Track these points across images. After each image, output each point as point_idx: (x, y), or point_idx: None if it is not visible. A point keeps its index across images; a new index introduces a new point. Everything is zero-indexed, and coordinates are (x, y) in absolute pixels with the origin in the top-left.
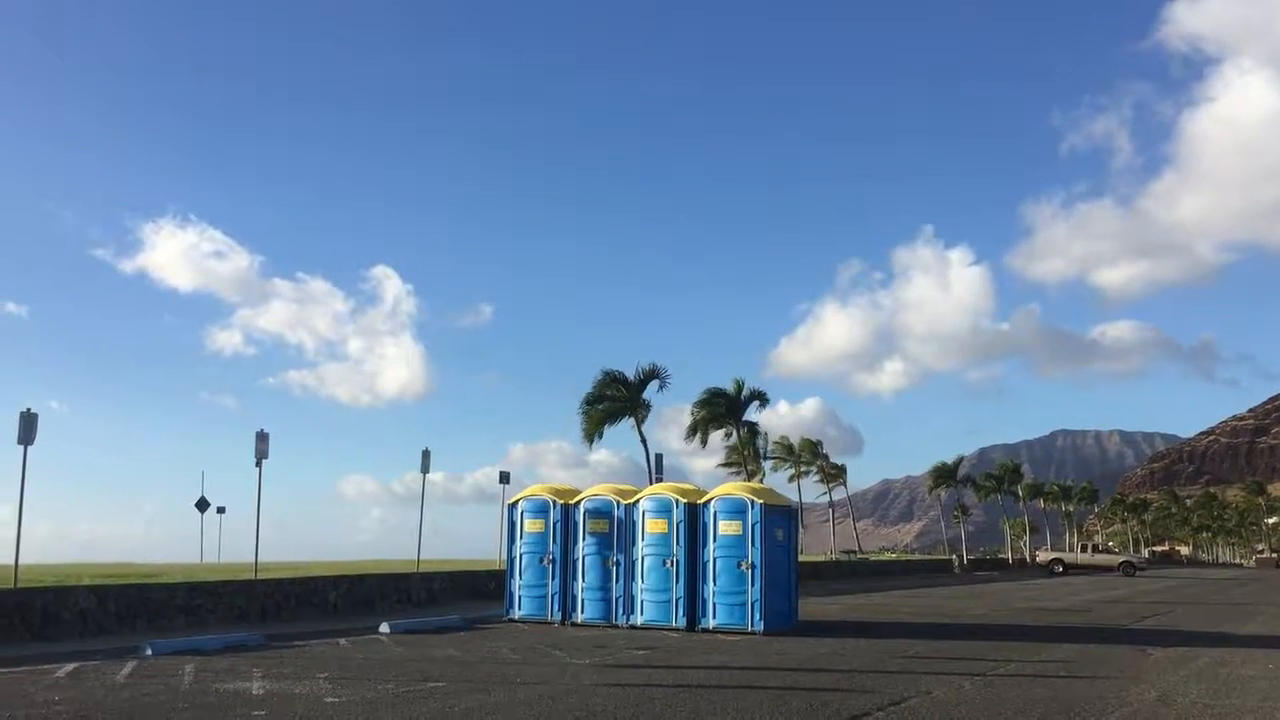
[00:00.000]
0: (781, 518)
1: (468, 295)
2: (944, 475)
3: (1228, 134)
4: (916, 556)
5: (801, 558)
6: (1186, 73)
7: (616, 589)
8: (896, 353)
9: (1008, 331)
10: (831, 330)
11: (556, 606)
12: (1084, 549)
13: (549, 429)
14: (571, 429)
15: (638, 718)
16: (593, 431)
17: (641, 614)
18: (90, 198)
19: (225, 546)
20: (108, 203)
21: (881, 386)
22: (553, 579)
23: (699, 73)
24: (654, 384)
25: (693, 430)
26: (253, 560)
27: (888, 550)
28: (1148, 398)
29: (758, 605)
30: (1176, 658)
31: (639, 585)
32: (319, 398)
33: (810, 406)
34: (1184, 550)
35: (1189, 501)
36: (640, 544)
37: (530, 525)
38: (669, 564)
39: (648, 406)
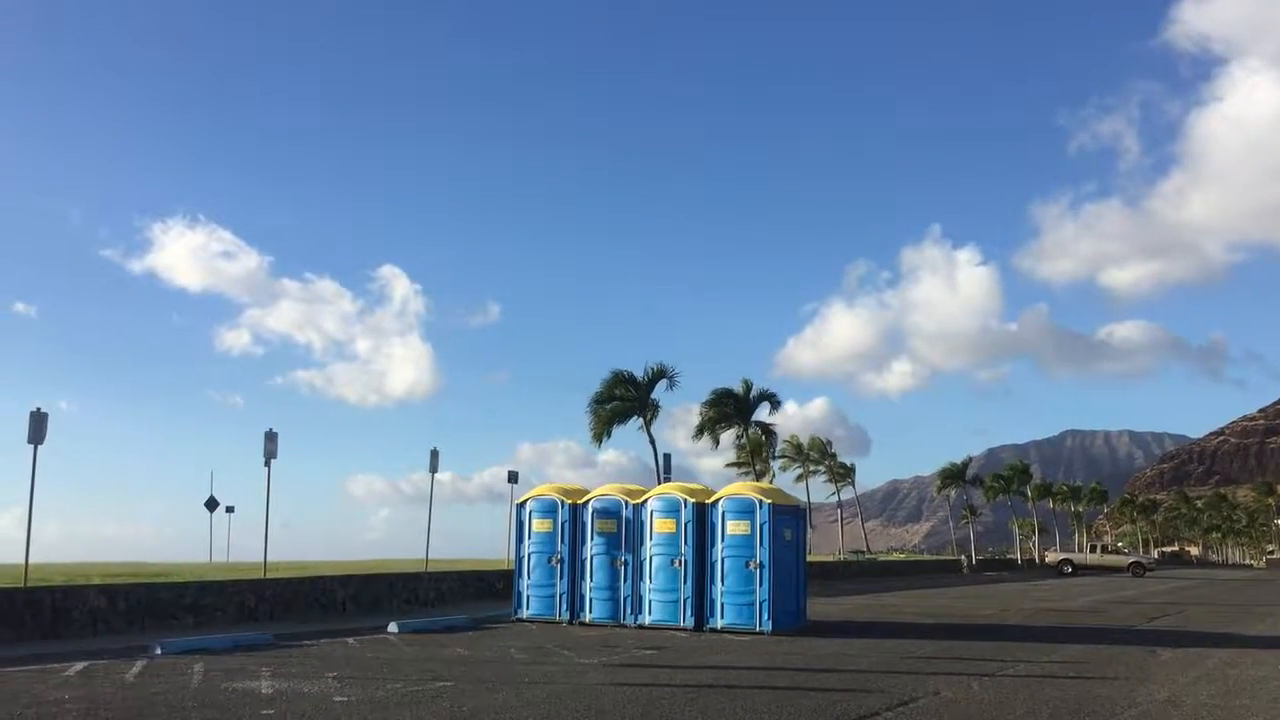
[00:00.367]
0: (790, 518)
1: (476, 295)
2: (952, 476)
3: (1236, 134)
4: (925, 557)
5: (810, 558)
6: (1194, 72)
7: (624, 589)
8: (904, 353)
9: (1016, 332)
10: (839, 330)
11: (564, 606)
12: (1093, 549)
13: (557, 429)
14: (579, 429)
15: (646, 717)
16: (601, 431)
17: (649, 614)
18: (99, 198)
19: (234, 546)
20: (117, 203)
21: (889, 387)
22: (561, 579)
23: (707, 74)
24: (663, 384)
25: (701, 430)
26: (261, 560)
27: (896, 550)
28: (1157, 398)
29: (766, 605)
30: (1186, 659)
31: (647, 585)
32: (327, 397)
33: (818, 407)
34: (1194, 551)
35: (1199, 502)
36: (648, 544)
37: (538, 525)
38: (677, 564)
39: (656, 406)
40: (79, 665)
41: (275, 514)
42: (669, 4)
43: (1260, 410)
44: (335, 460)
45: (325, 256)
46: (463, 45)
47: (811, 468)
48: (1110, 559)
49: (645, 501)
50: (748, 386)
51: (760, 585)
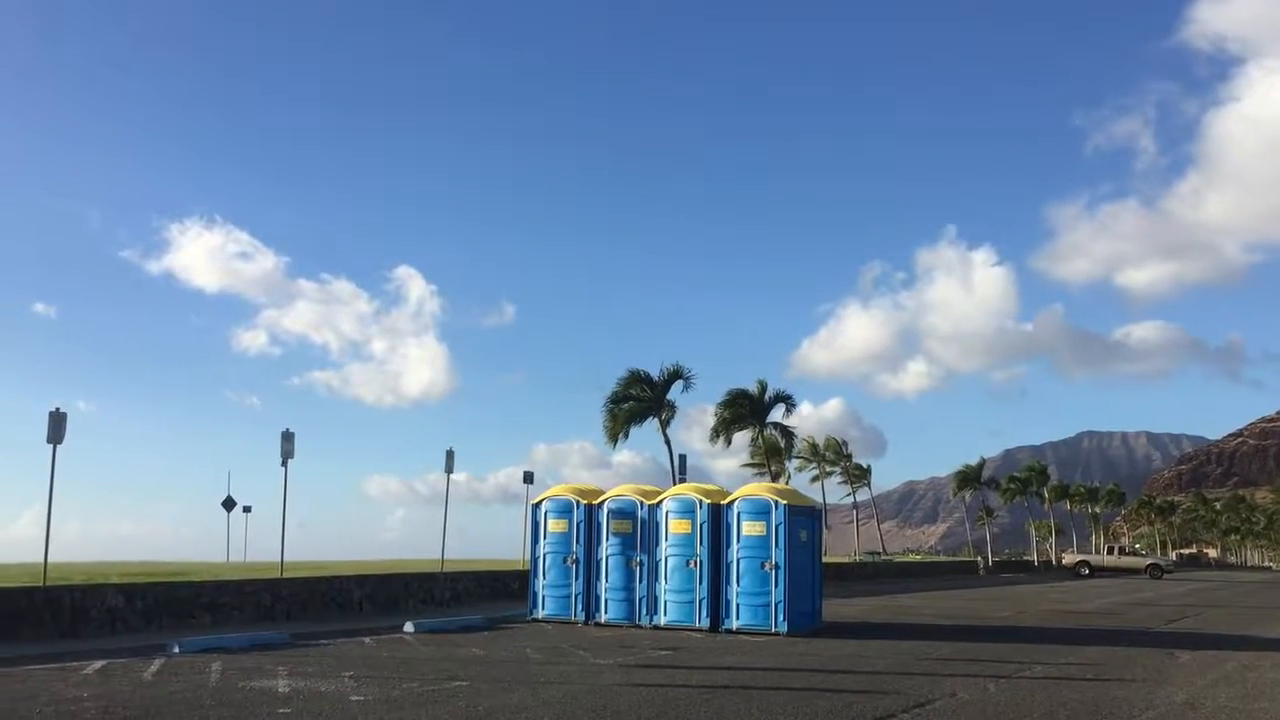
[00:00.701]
0: (805, 518)
1: (491, 295)
2: (968, 477)
3: (1253, 134)
4: (941, 558)
5: (825, 559)
6: (1211, 72)
7: (640, 589)
8: (919, 354)
9: (1031, 332)
10: (854, 331)
11: (580, 606)
12: (1110, 551)
13: (572, 429)
14: (594, 429)
15: (661, 718)
16: (617, 431)
17: (665, 614)
18: (118, 199)
19: (251, 546)
20: (135, 204)
21: (904, 388)
22: (576, 579)
23: (722, 74)
24: (678, 384)
25: (716, 431)
26: (278, 559)
27: (912, 552)
28: (1175, 399)
29: (781, 606)
30: (1205, 661)
31: (662, 586)
32: (343, 398)
33: (833, 407)
34: (1212, 553)
35: (1217, 504)
36: (664, 544)
37: (554, 525)
38: (692, 564)
39: (672, 407)
40: (97, 664)
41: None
42: (688, 4)
43: (1279, 412)
44: (351, 460)
45: (341, 257)
46: (486, 45)
47: (827, 469)
48: (1128, 561)
49: (661, 502)
50: (763, 387)
51: (776, 586)
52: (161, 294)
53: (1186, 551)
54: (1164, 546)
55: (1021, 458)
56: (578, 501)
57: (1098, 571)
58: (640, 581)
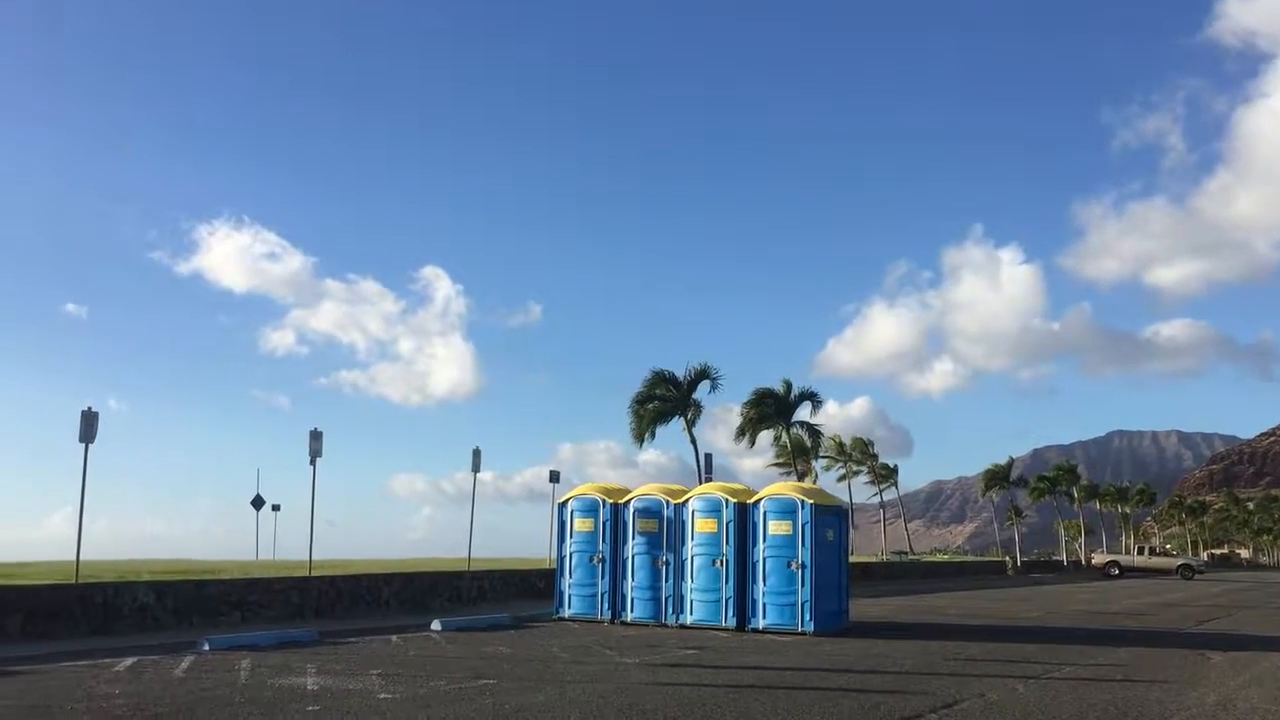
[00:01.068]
0: (832, 518)
1: (517, 295)
2: (997, 476)
3: None
4: (969, 558)
5: (852, 559)
6: (1240, 69)
7: (666, 588)
8: (946, 353)
9: (1059, 331)
10: (879, 330)
11: (606, 605)
12: (1141, 551)
13: (597, 429)
14: (620, 429)
15: (687, 717)
16: (643, 431)
17: (691, 613)
18: (147, 201)
19: (280, 544)
20: (164, 205)
21: (931, 387)
22: (602, 578)
23: (748, 76)
24: (704, 384)
25: (742, 431)
26: (307, 558)
27: (940, 552)
28: (1206, 398)
29: (808, 606)
30: (1237, 662)
31: (688, 585)
32: (370, 397)
33: (859, 406)
34: (1244, 553)
35: (1249, 504)
36: (690, 544)
37: (580, 524)
38: (718, 564)
39: (698, 407)
40: (129, 661)
41: (320, 512)
42: (715, 6)
43: None
44: (378, 460)
45: (368, 257)
46: (511, 45)
47: (854, 468)
48: (1158, 561)
49: (687, 501)
50: (788, 386)
51: (802, 586)
52: (191, 294)
53: (1218, 552)
54: (1195, 547)
55: (1050, 457)
56: (604, 500)
57: (1128, 572)
58: (666, 580)
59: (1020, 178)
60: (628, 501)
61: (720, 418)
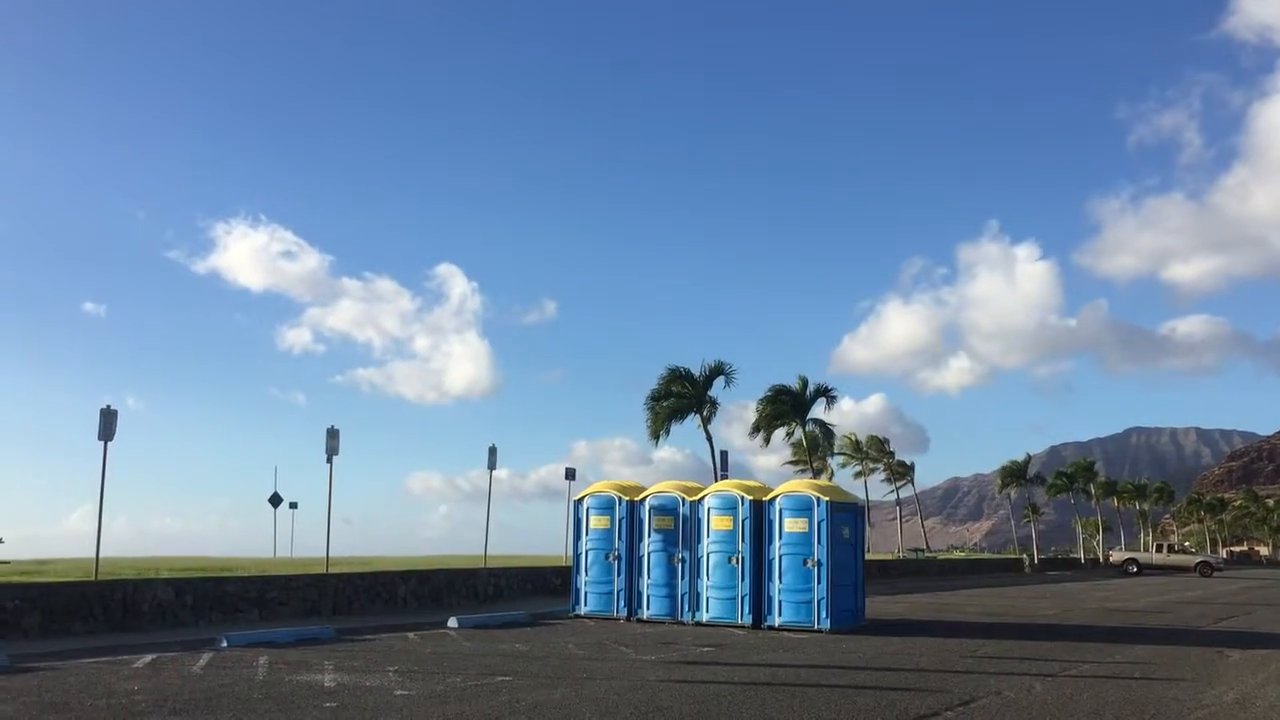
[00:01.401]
0: (848, 515)
1: (532, 292)
2: (1014, 474)
3: None
4: (986, 555)
5: (868, 556)
6: (1256, 64)
7: (682, 585)
8: (962, 349)
9: (1075, 328)
10: (895, 327)
11: (622, 602)
12: (1159, 549)
13: (612, 426)
14: (635, 426)
15: (704, 714)
16: (659, 428)
17: (707, 611)
18: (164, 200)
19: (297, 541)
20: (181, 205)
21: (947, 384)
22: (618, 575)
23: (761, 73)
24: (719, 381)
25: (757, 428)
26: (324, 555)
27: (956, 549)
28: (1225, 394)
29: (824, 603)
30: (1255, 660)
31: (704, 582)
32: (386, 395)
33: (874, 403)
34: (1264, 551)
35: (1269, 501)
36: (705, 541)
37: (596, 522)
38: (734, 561)
39: (714, 403)
40: (148, 657)
41: (337, 510)
42: (724, 3)
43: None
44: (395, 457)
45: (384, 255)
46: (522, 43)
47: (870, 465)
48: (1176, 559)
49: (702, 499)
50: (804, 383)
51: (818, 583)
52: (208, 293)
53: (1237, 549)
54: (1214, 544)
55: (1068, 454)
56: (620, 498)
57: (1146, 569)
58: (682, 578)
59: (1036, 174)
60: (644, 499)
61: (735, 415)
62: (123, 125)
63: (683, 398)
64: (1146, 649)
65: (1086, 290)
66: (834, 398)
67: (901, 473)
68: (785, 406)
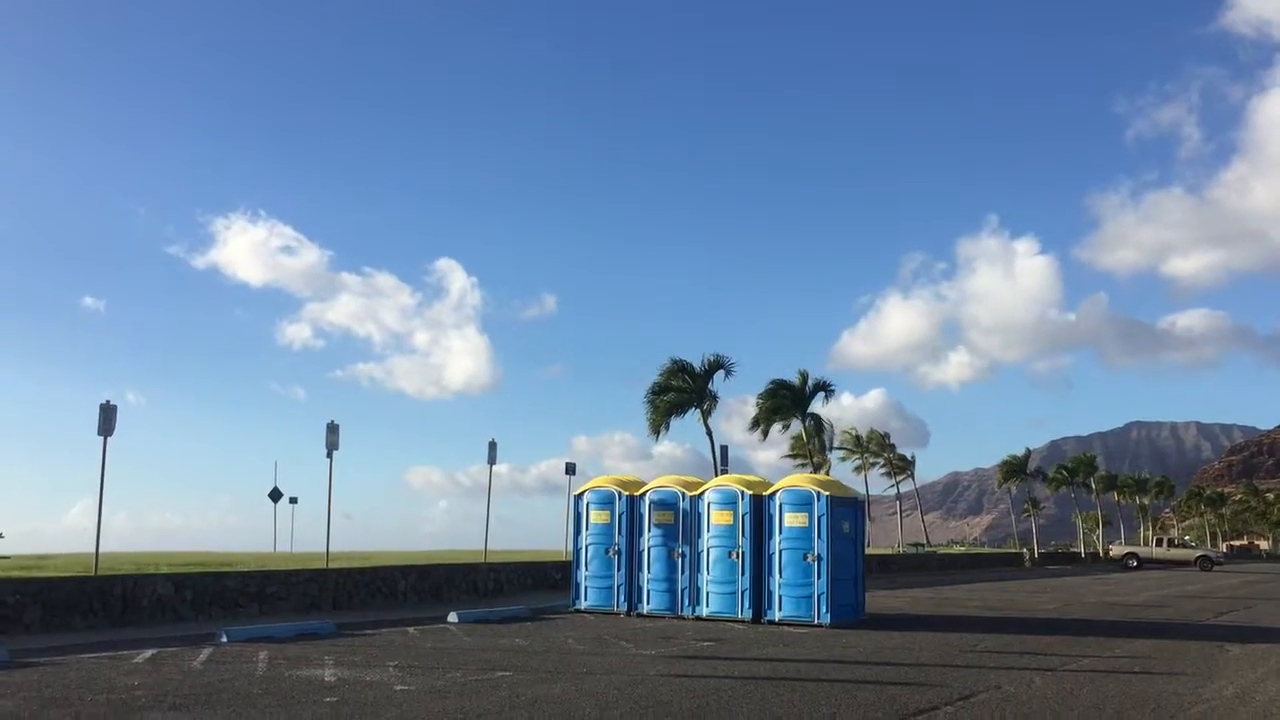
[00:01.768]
0: (848, 510)
1: (532, 287)
2: (1014, 468)
3: None
4: (986, 550)
5: (869, 550)
6: (1254, 58)
7: (682, 580)
8: (961, 344)
9: (1075, 322)
10: (894, 322)
11: (622, 597)
12: (1159, 543)
13: (613, 421)
14: (635, 421)
15: (705, 709)
16: (659, 423)
17: (707, 605)
18: (164, 197)
19: (297, 537)
20: (181, 200)
21: (947, 378)
22: (618, 570)
23: (761, 73)
24: (719, 374)
25: (757, 422)
26: (324, 550)
27: (956, 543)
28: (1225, 388)
29: (824, 598)
30: (1255, 654)
31: (704, 577)
32: (386, 390)
33: (874, 398)
34: (1264, 545)
35: (1269, 495)
36: (705, 535)
37: (596, 517)
38: (734, 556)
39: (714, 398)
40: (148, 652)
41: (337, 505)
42: (724, 2)
43: None
44: (395, 452)
45: (383, 250)
46: (522, 39)
47: (870, 460)
48: (1177, 553)
49: (702, 493)
50: (804, 377)
51: (818, 577)
52: (207, 288)
53: (1237, 543)
54: (1214, 538)
55: (1068, 448)
56: (620, 493)
57: (1146, 563)
58: (682, 573)
59: (1035, 169)
60: (644, 493)
61: (735, 409)
62: (123, 124)
63: (683, 392)
64: (1146, 643)
65: (1086, 284)
66: (832, 392)
67: (901, 467)
68: (785, 401)
